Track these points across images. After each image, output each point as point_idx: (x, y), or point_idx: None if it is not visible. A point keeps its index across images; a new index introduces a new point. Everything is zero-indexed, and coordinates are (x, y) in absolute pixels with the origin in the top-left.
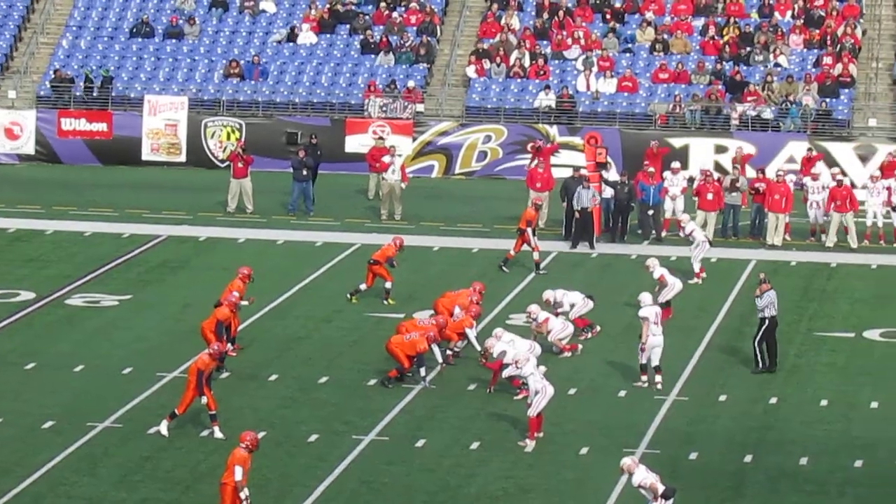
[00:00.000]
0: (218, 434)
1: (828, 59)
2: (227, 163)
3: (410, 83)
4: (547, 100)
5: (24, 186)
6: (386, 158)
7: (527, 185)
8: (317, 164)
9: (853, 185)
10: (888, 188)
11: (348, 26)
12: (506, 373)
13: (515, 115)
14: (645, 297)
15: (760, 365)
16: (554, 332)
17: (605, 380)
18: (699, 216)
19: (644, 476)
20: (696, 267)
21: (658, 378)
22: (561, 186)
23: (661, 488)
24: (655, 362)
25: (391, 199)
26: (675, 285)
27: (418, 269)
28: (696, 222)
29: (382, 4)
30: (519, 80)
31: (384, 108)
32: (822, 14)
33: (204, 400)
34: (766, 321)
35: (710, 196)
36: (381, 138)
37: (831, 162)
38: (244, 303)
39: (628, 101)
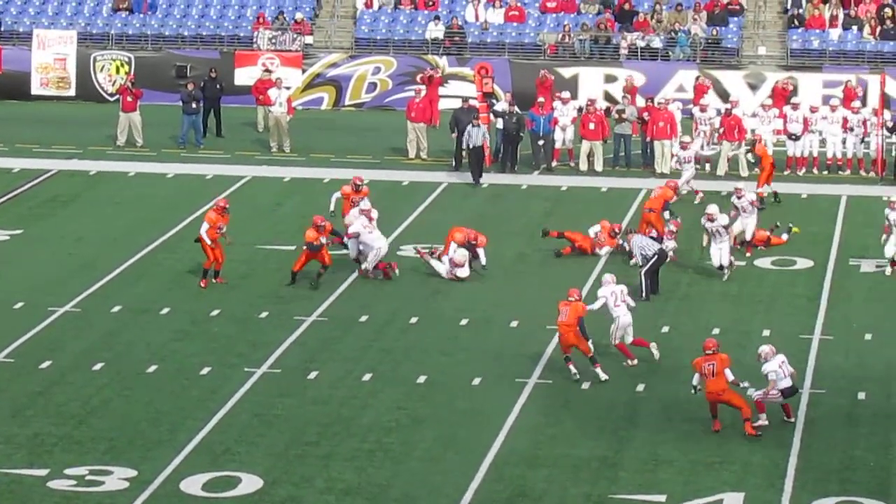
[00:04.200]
0: (602, 376)
1: None
2: (116, 96)
3: (299, 15)
4: (436, 31)
5: None
6: (271, 92)
7: (406, 115)
8: (218, 98)
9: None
10: (782, 116)
11: None
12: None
13: (405, 47)
14: (607, 277)
15: (645, 295)
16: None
17: (497, 310)
18: (584, 146)
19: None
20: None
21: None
22: (451, 117)
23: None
24: (630, 339)
25: (278, 132)
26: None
27: (309, 200)
28: (582, 151)
29: None
30: (408, 11)
31: (273, 41)
32: None
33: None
34: (656, 256)
35: (591, 126)
36: (268, 70)
37: (721, 91)
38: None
39: (517, 31)
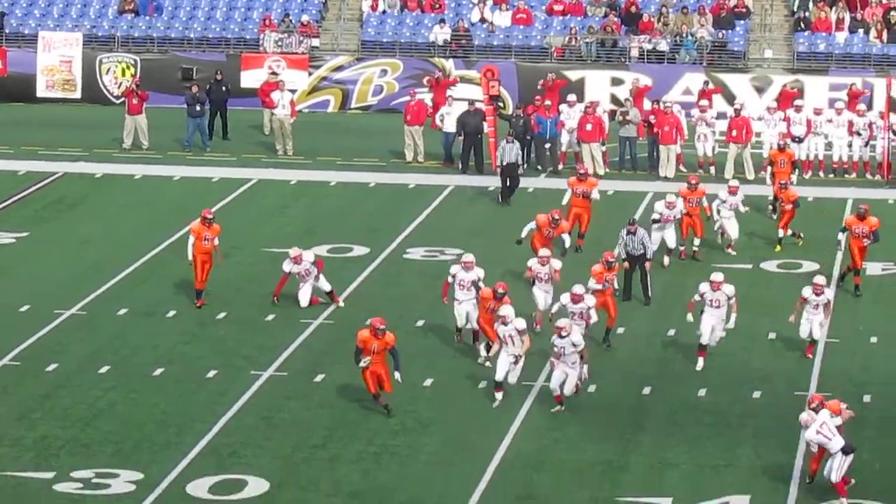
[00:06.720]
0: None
1: None
2: (122, 99)
3: (305, 17)
4: (442, 33)
5: None
6: (274, 94)
7: (403, 119)
8: (224, 100)
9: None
10: (786, 119)
11: None
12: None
13: (411, 49)
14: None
15: (625, 296)
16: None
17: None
18: (584, 148)
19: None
20: None
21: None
22: (457, 120)
23: (835, 447)
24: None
25: (282, 134)
26: None
27: (315, 203)
28: (584, 154)
29: None
30: (414, 14)
31: (279, 43)
32: None
33: None
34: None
35: (588, 127)
36: (275, 73)
37: (729, 94)
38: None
39: (524, 34)
